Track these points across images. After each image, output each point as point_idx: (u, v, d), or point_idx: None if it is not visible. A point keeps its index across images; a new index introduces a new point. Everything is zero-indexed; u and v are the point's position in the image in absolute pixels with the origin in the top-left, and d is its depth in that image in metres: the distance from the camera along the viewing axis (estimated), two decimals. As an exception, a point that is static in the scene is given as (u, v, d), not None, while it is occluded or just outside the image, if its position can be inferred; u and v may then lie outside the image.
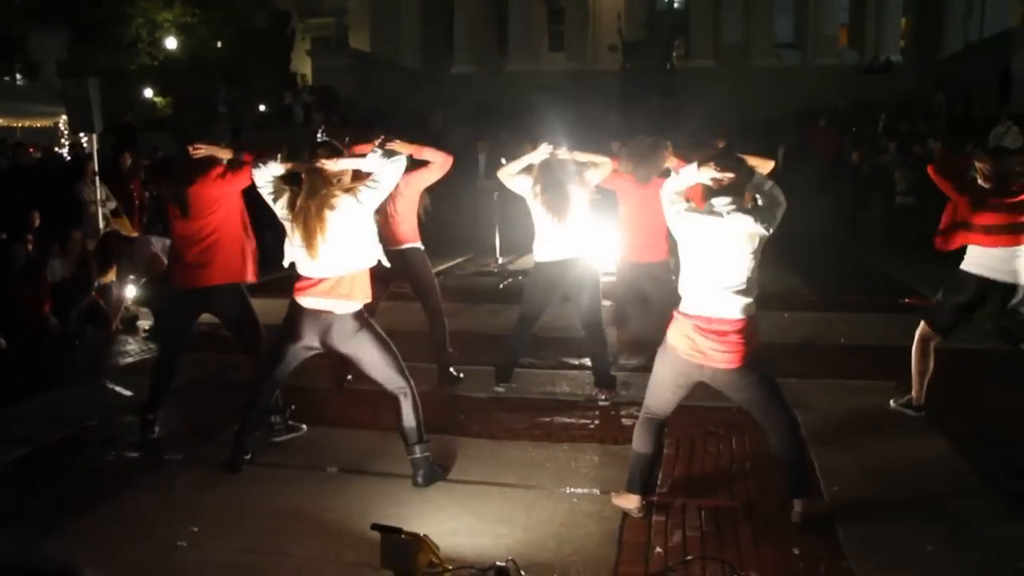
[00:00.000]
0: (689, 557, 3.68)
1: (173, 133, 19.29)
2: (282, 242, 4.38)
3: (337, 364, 5.87)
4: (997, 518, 4.03)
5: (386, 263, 4.49)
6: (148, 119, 24.71)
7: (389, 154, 4.31)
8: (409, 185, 5.76)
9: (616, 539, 3.88)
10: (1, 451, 5.05)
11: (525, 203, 5.73)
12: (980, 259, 5.13)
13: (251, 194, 4.75)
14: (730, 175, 3.78)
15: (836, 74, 24.54)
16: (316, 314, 4.34)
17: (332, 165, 4.25)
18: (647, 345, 5.19)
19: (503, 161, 5.92)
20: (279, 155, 4.43)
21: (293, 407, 5.27)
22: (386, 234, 5.63)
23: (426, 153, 5.70)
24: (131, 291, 8.33)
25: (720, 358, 3.79)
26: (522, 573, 3.44)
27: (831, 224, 15.01)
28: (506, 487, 4.44)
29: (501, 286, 10.49)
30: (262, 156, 4.44)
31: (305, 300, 4.35)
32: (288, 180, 4.42)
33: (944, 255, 5.36)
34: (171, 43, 31.15)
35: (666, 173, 5.76)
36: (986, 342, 6.29)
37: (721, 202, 3.76)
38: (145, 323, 8.39)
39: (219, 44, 31.45)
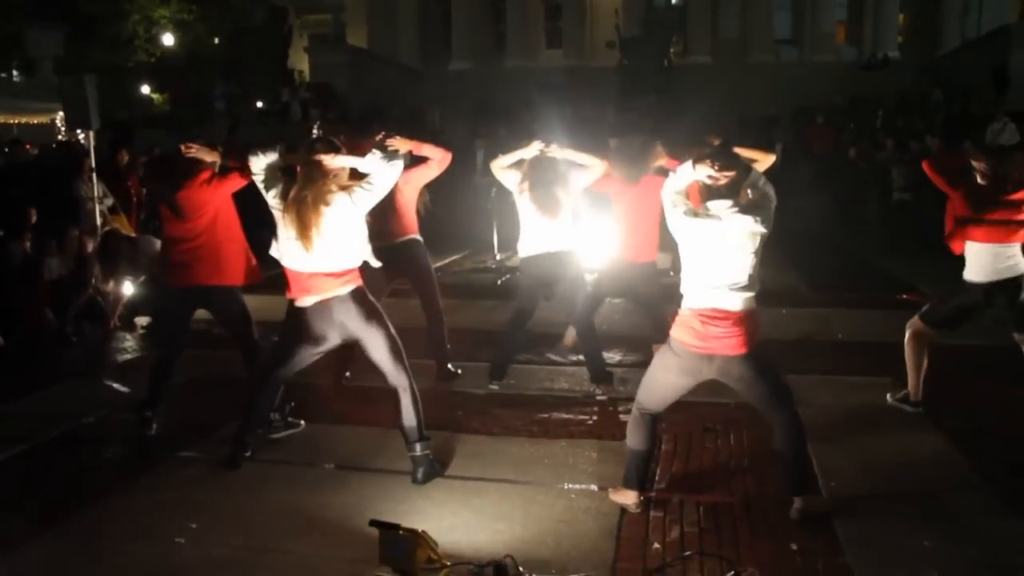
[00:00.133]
0: (687, 553, 3.68)
1: (170, 130, 19.26)
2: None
3: (336, 360, 5.88)
4: (994, 514, 4.03)
5: (374, 263, 4.50)
6: (145, 116, 24.68)
7: (388, 156, 4.30)
8: (409, 182, 5.76)
9: (614, 535, 3.88)
10: (-1, 448, 5.05)
11: (521, 199, 5.74)
12: (980, 263, 5.11)
13: (249, 192, 4.75)
14: (728, 173, 3.78)
15: (834, 71, 24.57)
16: (320, 309, 4.33)
17: (330, 161, 4.25)
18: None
19: (501, 155, 5.92)
20: (276, 150, 4.43)
21: (292, 404, 5.28)
22: (385, 229, 5.64)
23: (425, 149, 5.70)
24: (129, 289, 8.32)
25: (727, 344, 3.78)
26: (520, 569, 3.45)
27: (829, 221, 15.01)
28: (504, 483, 4.45)
29: (499, 282, 10.49)
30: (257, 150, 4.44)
31: (304, 301, 4.34)
32: (284, 170, 4.41)
33: (943, 252, 5.36)
34: (168, 40, 31.07)
35: (659, 172, 5.82)
36: (983, 337, 6.29)
37: (721, 205, 3.76)
38: (143, 320, 8.37)
39: (216, 41, 31.37)
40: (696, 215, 3.81)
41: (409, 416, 4.43)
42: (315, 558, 3.69)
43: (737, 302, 3.77)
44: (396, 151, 4.46)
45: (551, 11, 31.04)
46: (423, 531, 3.51)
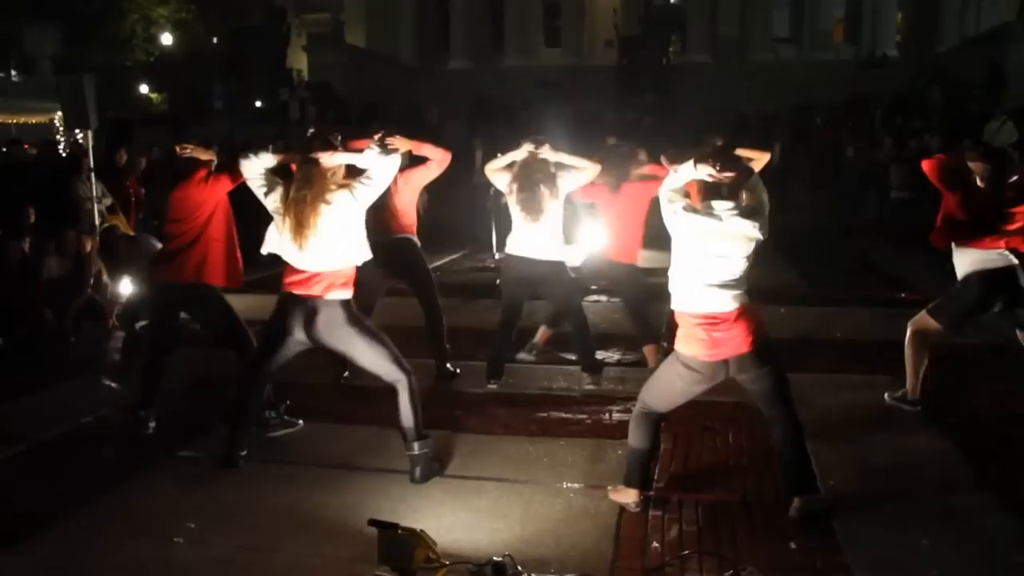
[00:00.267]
0: (686, 552, 3.68)
1: (169, 130, 19.25)
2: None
3: (334, 359, 5.88)
4: (993, 512, 4.03)
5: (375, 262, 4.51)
6: (144, 115, 24.66)
7: (385, 151, 4.30)
8: (408, 183, 5.76)
9: (613, 534, 3.88)
10: (-3, 448, 5.05)
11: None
12: (966, 260, 5.13)
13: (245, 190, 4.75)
14: (729, 174, 3.78)
15: (832, 69, 24.56)
16: (303, 305, 4.33)
17: (327, 159, 4.24)
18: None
19: (499, 156, 5.93)
20: (271, 147, 4.43)
21: (288, 402, 5.28)
22: (383, 226, 5.64)
23: (425, 149, 5.70)
24: (127, 288, 8.30)
25: (735, 344, 3.80)
26: (519, 568, 3.44)
27: (827, 219, 15.02)
28: (503, 482, 4.44)
29: (497, 282, 10.45)
30: (249, 152, 4.44)
31: (291, 294, 4.34)
32: (279, 174, 4.41)
33: (942, 250, 5.36)
34: (166, 39, 31.10)
35: (641, 179, 5.88)
36: (981, 336, 6.29)
37: (722, 205, 3.76)
38: (143, 322, 8.36)
39: (215, 40, 31.40)
40: (695, 212, 3.81)
41: (407, 414, 4.42)
42: (313, 557, 3.68)
43: (729, 302, 3.79)
44: (395, 148, 4.45)
45: (550, 10, 31.02)
46: (422, 530, 3.50)
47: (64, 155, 13.66)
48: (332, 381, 6.06)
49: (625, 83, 22.42)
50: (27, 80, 24.89)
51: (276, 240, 4.35)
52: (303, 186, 4.19)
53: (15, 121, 21.73)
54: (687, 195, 3.91)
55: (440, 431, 4.98)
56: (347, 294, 4.36)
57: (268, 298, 4.88)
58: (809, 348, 6.94)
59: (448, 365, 6.25)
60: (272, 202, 4.33)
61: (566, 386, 6.10)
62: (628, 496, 4.09)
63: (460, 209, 13.72)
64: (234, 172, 4.95)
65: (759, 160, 4.17)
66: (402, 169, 5.14)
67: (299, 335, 4.41)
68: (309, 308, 4.33)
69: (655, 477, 4.42)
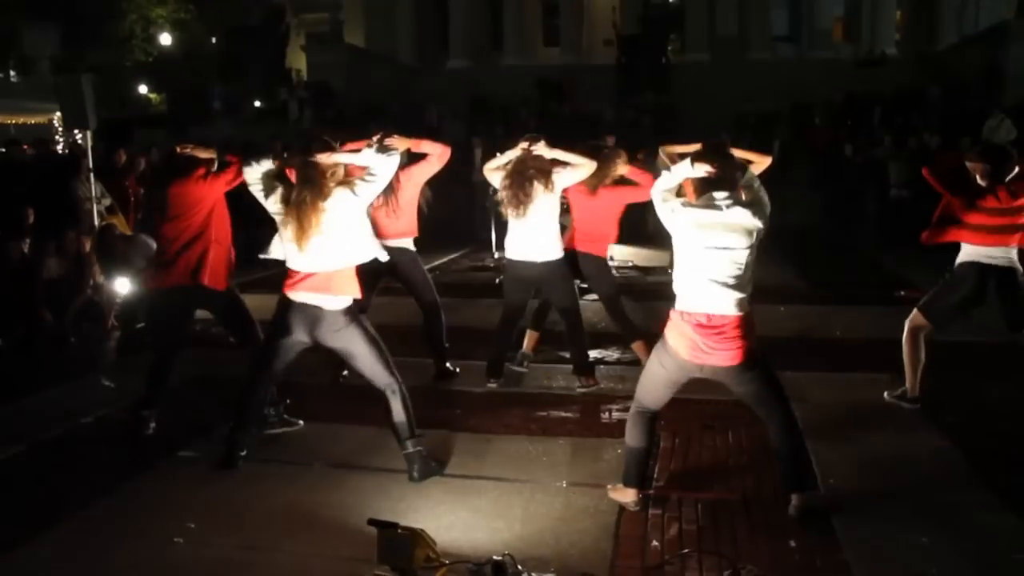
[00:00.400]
0: (686, 550, 3.68)
1: (170, 129, 19.26)
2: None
3: (333, 360, 5.88)
4: (992, 510, 4.04)
5: (383, 258, 4.52)
6: (143, 115, 24.67)
7: (384, 149, 4.31)
8: (410, 179, 5.76)
9: (613, 533, 3.88)
10: (-3, 448, 5.05)
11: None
12: (975, 248, 5.15)
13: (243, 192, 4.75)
14: (727, 170, 3.79)
15: (831, 67, 24.51)
16: (305, 308, 4.34)
17: (326, 159, 4.25)
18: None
19: (498, 155, 5.93)
20: (271, 153, 4.44)
21: (288, 402, 5.28)
22: (383, 228, 5.64)
23: (424, 146, 5.70)
24: (124, 286, 8.30)
25: (722, 356, 3.79)
26: (519, 567, 3.44)
27: (826, 217, 15.02)
28: (503, 482, 4.45)
29: (497, 281, 10.44)
30: (249, 155, 4.45)
31: (295, 295, 4.36)
32: (279, 177, 4.41)
33: (940, 249, 5.36)
34: (165, 39, 31.11)
35: (620, 181, 5.87)
36: (980, 334, 6.30)
37: (719, 196, 3.76)
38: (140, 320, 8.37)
39: (213, 40, 31.39)
40: (692, 205, 3.81)
41: (399, 415, 4.44)
42: (313, 557, 3.69)
43: (731, 304, 3.76)
44: (393, 148, 4.46)
45: (549, 9, 30.99)
46: (421, 530, 3.50)
47: (60, 154, 13.65)
48: (331, 381, 6.06)
49: (624, 82, 22.39)
50: (26, 80, 24.89)
51: (279, 244, 4.36)
52: (303, 187, 4.20)
53: (14, 121, 21.74)
54: (682, 194, 3.91)
55: (439, 430, 4.98)
56: (349, 298, 4.37)
57: (268, 298, 4.88)
58: (808, 346, 6.95)
59: (447, 364, 6.25)
60: (272, 204, 4.34)
61: (565, 385, 6.10)
62: (627, 495, 4.09)
63: (460, 208, 13.72)
64: (234, 172, 4.95)
65: (761, 164, 4.17)
66: (402, 166, 5.14)
67: (302, 336, 4.43)
68: (312, 309, 4.34)
69: (654, 476, 4.43)
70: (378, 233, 4.47)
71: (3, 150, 13.44)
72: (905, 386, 5.44)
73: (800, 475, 4.00)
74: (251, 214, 5.22)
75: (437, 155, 5.74)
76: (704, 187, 3.83)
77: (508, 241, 5.85)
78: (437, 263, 11.50)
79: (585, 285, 6.54)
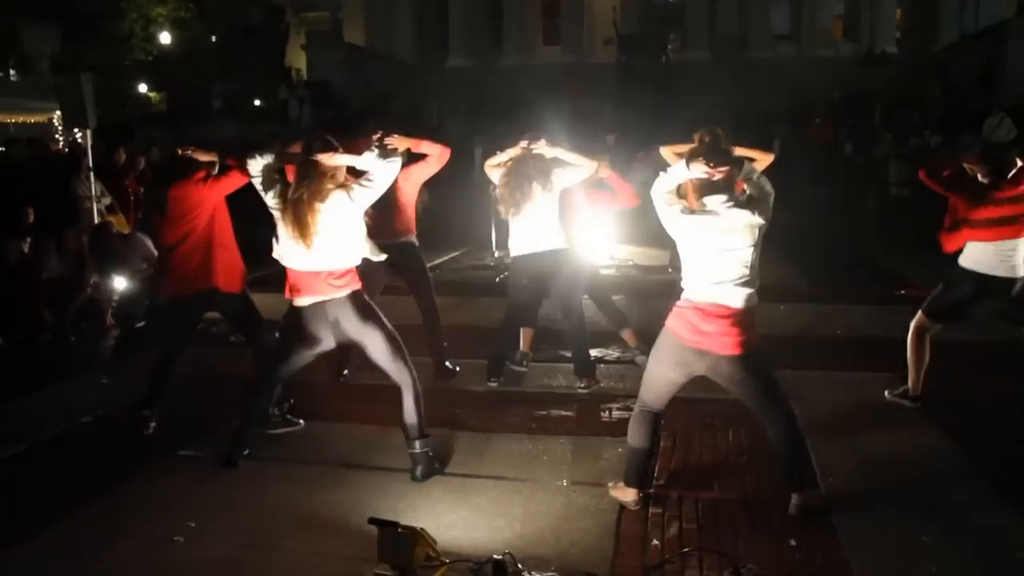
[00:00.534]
0: (686, 549, 3.68)
1: (170, 129, 19.24)
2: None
3: (335, 359, 5.88)
4: (992, 509, 4.03)
5: (377, 258, 4.51)
6: (143, 114, 24.66)
7: (386, 154, 4.30)
8: (408, 179, 5.76)
9: (613, 532, 3.88)
10: (-3, 447, 5.05)
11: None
12: (978, 255, 5.13)
13: (247, 190, 4.75)
14: (722, 169, 3.79)
15: (832, 66, 24.53)
16: (316, 309, 4.34)
17: (327, 160, 4.24)
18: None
19: (498, 154, 5.93)
20: (271, 149, 4.44)
21: (291, 401, 5.28)
22: (384, 227, 5.64)
23: (423, 146, 5.69)
24: (120, 284, 8.29)
25: (721, 343, 3.79)
26: (519, 566, 3.44)
27: (827, 216, 15.02)
28: (503, 480, 4.45)
29: (497, 279, 10.46)
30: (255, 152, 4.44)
31: (301, 301, 4.35)
32: (280, 171, 4.41)
33: (940, 247, 5.36)
34: (165, 38, 31.08)
35: (597, 185, 6.00)
36: (982, 333, 6.30)
37: (717, 200, 3.76)
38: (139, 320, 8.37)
39: (213, 39, 31.37)
40: (692, 212, 3.81)
41: (410, 413, 4.43)
42: (314, 556, 3.69)
43: (738, 298, 3.78)
44: (394, 149, 4.45)
45: (549, 8, 30.96)
46: (422, 528, 3.51)
47: (56, 153, 13.63)
48: (332, 381, 6.06)
49: (624, 81, 22.40)
50: (26, 79, 24.85)
51: (279, 243, 4.36)
52: (301, 186, 4.19)
53: (13, 121, 21.71)
54: (682, 195, 3.91)
55: (440, 429, 4.98)
56: (353, 288, 4.37)
57: (269, 296, 4.88)
58: (809, 345, 6.94)
59: (447, 363, 6.25)
60: (272, 199, 4.33)
61: (566, 384, 6.10)
62: (628, 494, 4.09)
63: (460, 207, 13.71)
64: (235, 176, 4.94)
65: (762, 161, 4.16)
66: (402, 166, 5.15)
67: (325, 339, 4.43)
68: (322, 309, 4.34)
69: (655, 475, 4.42)
70: (376, 231, 4.46)
71: (2, 149, 13.44)
72: (906, 384, 5.44)
73: (801, 474, 4.00)
74: (251, 213, 5.21)
75: (436, 156, 5.74)
76: (703, 190, 3.83)
77: (511, 240, 5.85)
78: (437, 262, 11.48)
79: None
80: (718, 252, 3.78)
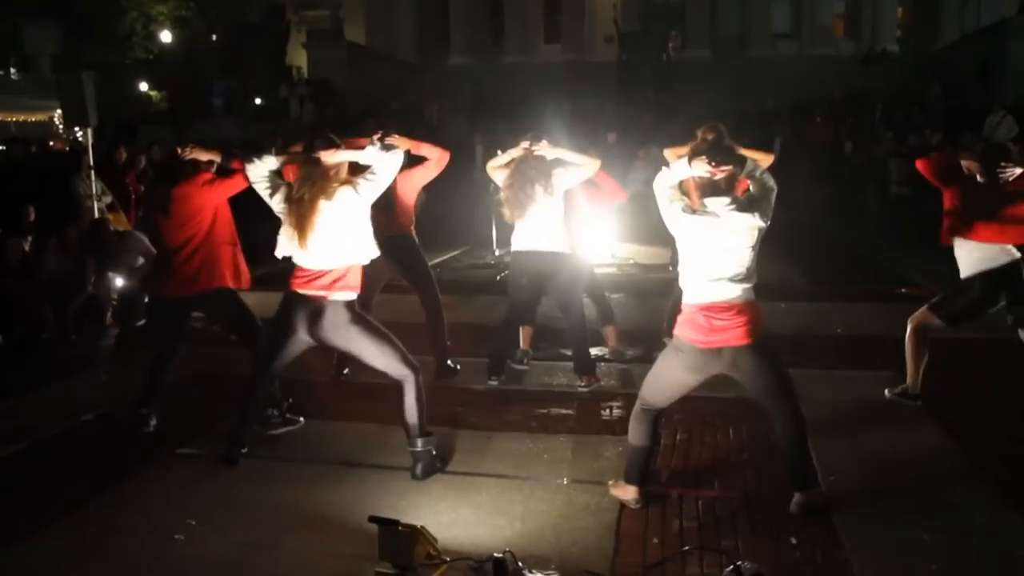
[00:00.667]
0: (686, 547, 3.68)
1: (171, 127, 19.24)
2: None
3: (334, 357, 5.89)
4: (993, 507, 4.04)
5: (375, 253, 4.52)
6: (143, 113, 24.66)
7: (387, 147, 4.31)
8: (408, 182, 5.74)
9: (614, 530, 3.88)
10: (-2, 446, 5.05)
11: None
12: (974, 256, 5.13)
13: (247, 189, 4.75)
14: (725, 168, 3.79)
15: (832, 64, 24.52)
16: (308, 304, 4.34)
17: (329, 157, 4.24)
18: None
19: (499, 152, 5.93)
20: (272, 148, 4.44)
21: (290, 400, 5.28)
22: (383, 224, 5.63)
23: (424, 149, 5.69)
24: (118, 282, 8.27)
25: (733, 334, 3.79)
26: (520, 564, 3.45)
27: (827, 214, 15.00)
28: (503, 479, 4.45)
29: (498, 278, 10.46)
30: (253, 156, 4.44)
31: (298, 291, 4.35)
32: (282, 175, 4.41)
33: (940, 246, 5.36)
34: (166, 36, 31.10)
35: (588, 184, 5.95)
36: (982, 331, 6.29)
37: (719, 202, 3.76)
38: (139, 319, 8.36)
39: (214, 37, 31.38)
40: (694, 212, 3.81)
41: (411, 411, 4.43)
42: (314, 554, 3.69)
43: (736, 292, 3.79)
44: (395, 145, 4.45)
45: (550, 6, 30.95)
46: (422, 527, 3.51)
47: (56, 152, 13.63)
48: (333, 379, 6.07)
49: (625, 79, 22.38)
50: (26, 78, 24.86)
51: (284, 241, 4.36)
52: (304, 185, 4.19)
53: (14, 119, 21.73)
54: (684, 193, 3.90)
55: (440, 427, 4.97)
56: (352, 295, 4.37)
57: (271, 295, 4.88)
58: (809, 344, 6.93)
59: (448, 362, 6.25)
60: (277, 203, 4.33)
61: (566, 382, 6.10)
62: (628, 492, 4.09)
63: (460, 205, 13.70)
64: (240, 178, 4.93)
65: (762, 162, 4.16)
66: (401, 168, 5.15)
67: (304, 335, 4.42)
68: (314, 307, 4.34)
69: (656, 473, 4.42)
70: (374, 227, 4.46)
71: (3, 148, 13.44)
72: (906, 383, 5.44)
73: (804, 472, 4.00)
74: (252, 212, 5.21)
75: (436, 160, 5.72)
76: (704, 190, 3.83)
77: (514, 237, 5.85)
78: (437, 260, 11.48)
79: None
80: (717, 251, 3.79)
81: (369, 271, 4.70)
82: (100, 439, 5.23)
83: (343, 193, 4.20)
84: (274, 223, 4.42)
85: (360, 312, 4.45)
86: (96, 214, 9.65)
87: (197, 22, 31.44)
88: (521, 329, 6.39)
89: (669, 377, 4.04)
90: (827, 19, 29.37)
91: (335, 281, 4.29)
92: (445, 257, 12.10)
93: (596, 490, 4.27)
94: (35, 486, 4.53)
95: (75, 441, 5.22)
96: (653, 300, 8.04)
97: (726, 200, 3.75)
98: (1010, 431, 4.98)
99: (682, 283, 3.93)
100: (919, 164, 5.35)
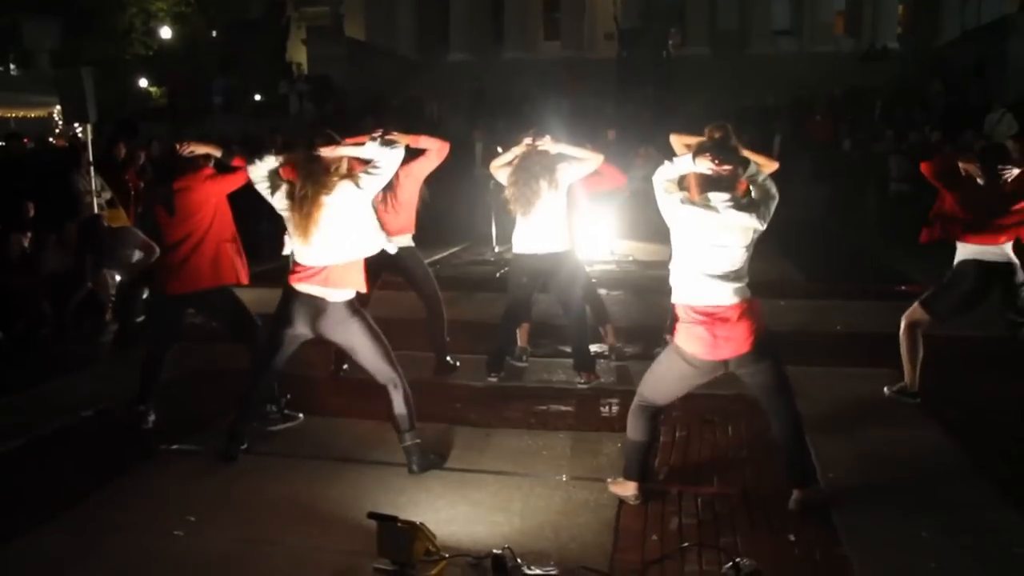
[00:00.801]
0: (685, 544, 3.68)
1: (170, 123, 19.23)
2: (279, 231, 4.38)
3: (334, 353, 5.88)
4: (992, 505, 4.04)
5: (392, 250, 4.52)
6: (143, 109, 24.66)
7: (387, 142, 4.31)
8: (409, 176, 5.75)
9: (613, 527, 3.88)
10: (-3, 442, 5.05)
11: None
12: (971, 251, 5.15)
13: (246, 186, 4.74)
14: (727, 167, 3.78)
15: (832, 61, 24.52)
16: (309, 300, 4.35)
17: (329, 152, 4.24)
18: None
19: (499, 150, 5.93)
20: (272, 148, 4.43)
21: (289, 396, 5.28)
22: (382, 224, 5.63)
23: (422, 141, 5.68)
24: (115, 277, 8.26)
25: (736, 344, 3.79)
26: (518, 560, 3.45)
27: (827, 212, 15.01)
28: (502, 475, 4.45)
29: (497, 275, 10.45)
30: (251, 152, 4.44)
31: (299, 286, 4.36)
32: (278, 173, 4.41)
33: (939, 244, 5.36)
34: (165, 32, 31.08)
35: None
36: (979, 329, 6.29)
37: (719, 198, 3.76)
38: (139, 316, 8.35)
39: (214, 33, 31.37)
40: (693, 203, 3.81)
41: (400, 409, 4.45)
42: (313, 550, 3.69)
43: (731, 294, 3.78)
44: (394, 141, 4.46)
45: (549, 2, 30.92)
46: (421, 523, 3.51)
47: (54, 148, 13.62)
48: (332, 375, 6.07)
49: (625, 76, 22.37)
50: (26, 74, 24.87)
51: (289, 238, 4.36)
52: (306, 182, 4.19)
53: (14, 115, 21.73)
54: (685, 187, 3.90)
55: (439, 424, 4.98)
56: (353, 291, 4.38)
57: (272, 292, 4.88)
58: (808, 341, 6.94)
59: (448, 358, 6.25)
60: (279, 201, 4.33)
61: (565, 379, 6.10)
62: (627, 489, 4.09)
63: (460, 202, 13.71)
64: (242, 174, 4.92)
65: (765, 168, 4.16)
66: (402, 163, 5.16)
67: (303, 328, 4.44)
68: (315, 302, 4.35)
69: (655, 470, 4.42)
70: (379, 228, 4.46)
71: (3, 144, 13.41)
72: (904, 381, 5.44)
73: (802, 469, 4.01)
74: (251, 209, 5.21)
75: (436, 150, 5.73)
76: (705, 185, 3.83)
77: (515, 236, 5.84)
78: (437, 257, 11.49)
79: None
80: (711, 247, 3.78)
81: (368, 267, 4.70)
82: (99, 435, 5.22)
83: (344, 187, 4.20)
84: (274, 220, 4.42)
85: (360, 309, 4.46)
86: (96, 210, 9.64)
87: (197, 18, 31.42)
88: (520, 326, 6.39)
89: (671, 378, 4.04)
90: (827, 16, 29.33)
91: (336, 277, 4.29)
92: (445, 254, 12.10)
93: (595, 487, 4.27)
94: (34, 482, 4.53)
95: (74, 437, 5.22)
96: (652, 297, 8.04)
97: (726, 196, 3.75)
98: (1010, 429, 4.98)
99: (672, 280, 3.92)
100: (923, 167, 5.36)
